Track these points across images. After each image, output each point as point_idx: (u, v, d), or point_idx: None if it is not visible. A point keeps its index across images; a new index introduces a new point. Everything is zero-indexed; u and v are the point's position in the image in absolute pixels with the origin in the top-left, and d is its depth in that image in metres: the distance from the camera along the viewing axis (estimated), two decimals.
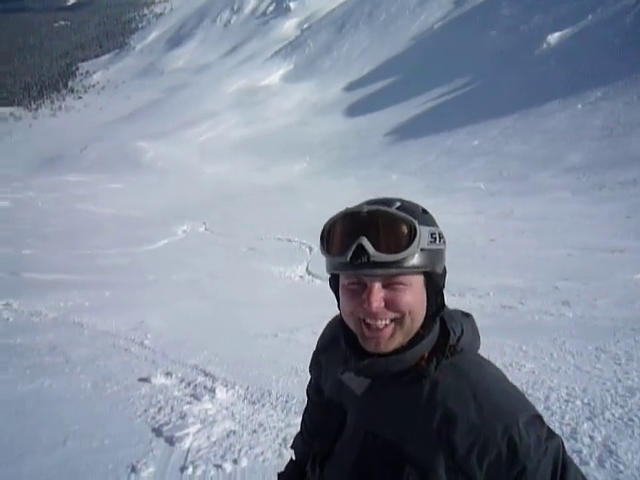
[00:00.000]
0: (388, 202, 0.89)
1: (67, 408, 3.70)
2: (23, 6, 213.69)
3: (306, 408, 1.23)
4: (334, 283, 0.96)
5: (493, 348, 5.26)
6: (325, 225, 0.90)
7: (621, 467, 2.85)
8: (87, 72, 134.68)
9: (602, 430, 3.24)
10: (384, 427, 0.90)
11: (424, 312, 0.89)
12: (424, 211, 0.93)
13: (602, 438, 3.15)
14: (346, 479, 0.93)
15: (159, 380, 4.10)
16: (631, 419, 3.37)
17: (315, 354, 1.18)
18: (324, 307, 8.79)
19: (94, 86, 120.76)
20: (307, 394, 1.25)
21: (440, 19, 73.36)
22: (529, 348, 5.18)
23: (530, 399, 2.89)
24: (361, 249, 0.82)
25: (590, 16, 46.07)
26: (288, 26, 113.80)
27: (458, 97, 46.81)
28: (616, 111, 30.15)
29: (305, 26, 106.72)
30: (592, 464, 2.89)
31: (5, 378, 4.20)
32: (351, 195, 26.29)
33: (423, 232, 0.84)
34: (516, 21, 56.29)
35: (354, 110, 57.90)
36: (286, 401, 3.73)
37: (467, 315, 1.01)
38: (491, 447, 0.80)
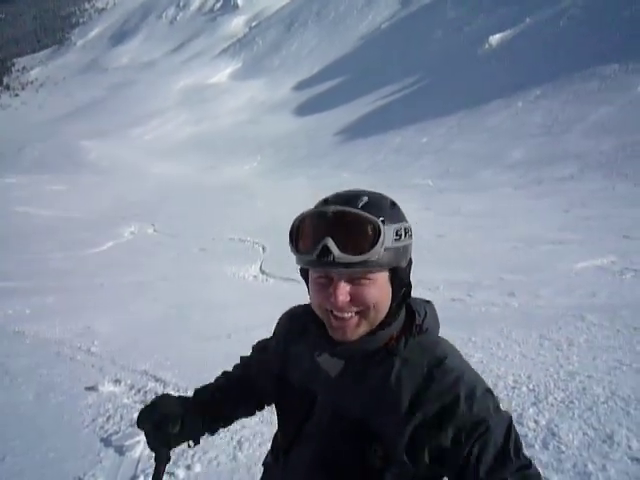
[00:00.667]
0: (355, 198, 0.91)
1: (6, 422, 3.50)
2: None
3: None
4: (304, 274, 1.02)
5: None
6: (294, 222, 0.93)
7: (563, 448, 2.99)
8: (24, 68, 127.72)
9: (546, 414, 3.40)
10: (353, 405, 0.96)
11: (389, 303, 0.94)
12: (392, 204, 0.95)
13: (546, 422, 3.30)
14: (312, 464, 0.98)
15: (107, 388, 3.94)
16: (572, 402, 3.55)
17: (282, 342, 1.18)
18: (278, 306, 8.78)
19: (32, 83, 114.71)
20: (253, 349, 1.38)
21: (387, 19, 74.64)
22: (477, 339, 5.36)
23: None
24: (326, 249, 0.85)
25: (528, 19, 48.24)
26: (236, 23, 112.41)
27: (406, 96, 47.82)
28: (554, 109, 31.73)
29: (253, 24, 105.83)
30: (537, 447, 3.02)
31: None
32: (302, 194, 26.34)
33: (387, 232, 0.88)
34: (460, 22, 58.16)
35: (303, 109, 58.00)
36: None
37: (427, 302, 1.08)
38: (456, 413, 0.88)
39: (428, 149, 33.82)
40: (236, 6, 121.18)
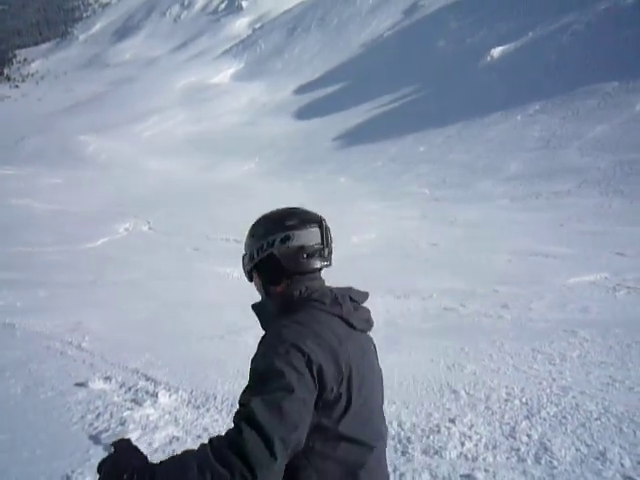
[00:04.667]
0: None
1: None
2: None
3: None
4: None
5: (436, 349, 5.41)
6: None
7: (555, 463, 2.98)
8: (25, 60, 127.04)
9: (538, 428, 3.39)
10: None
11: (263, 290, 1.34)
12: (251, 236, 1.39)
13: (538, 436, 3.29)
14: None
15: (97, 385, 3.90)
16: (564, 417, 3.55)
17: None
18: None
19: (32, 75, 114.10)
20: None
21: (390, 28, 74.99)
22: (470, 349, 5.36)
23: (472, 400, 2.96)
24: None
25: (530, 33, 48.58)
26: (239, 25, 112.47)
27: (405, 104, 48.00)
28: (553, 125, 31.94)
29: (257, 26, 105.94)
30: (529, 461, 3.02)
31: None
32: (299, 198, 26.32)
33: (244, 260, 1.38)
34: (462, 34, 58.46)
35: (303, 113, 58.09)
36: (232, 405, 3.64)
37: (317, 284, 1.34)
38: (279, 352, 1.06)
39: (425, 158, 33.94)
40: (240, 8, 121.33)
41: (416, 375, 4.37)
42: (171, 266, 14.86)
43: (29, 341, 5.53)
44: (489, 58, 48.49)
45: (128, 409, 3.46)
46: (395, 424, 3.32)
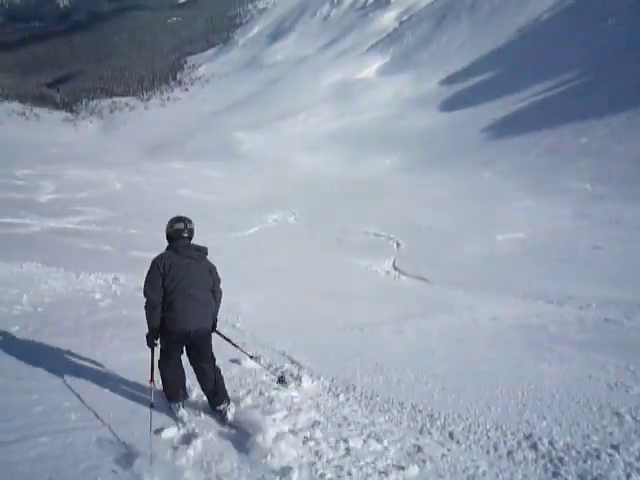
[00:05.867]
0: None
1: None
2: (140, 5, 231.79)
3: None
4: None
5: (594, 364, 4.86)
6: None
7: None
8: (194, 65, 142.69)
9: None
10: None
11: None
12: (167, 225, 3.34)
13: None
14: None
15: (249, 363, 4.23)
16: None
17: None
18: (409, 305, 8.62)
19: (199, 78, 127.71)
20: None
21: (550, 9, 68.50)
22: (637, 368, 4.71)
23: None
24: None
25: None
26: (387, 18, 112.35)
27: (564, 92, 43.58)
28: None
29: (404, 18, 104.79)
30: None
31: (113, 347, 4.58)
32: (441, 192, 25.56)
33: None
34: (638, 10, 51.06)
35: (450, 104, 56.04)
36: (370, 397, 3.69)
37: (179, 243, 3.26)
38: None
39: (587, 151, 30.48)
40: (388, 1, 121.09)
41: (571, 390, 3.97)
42: (314, 256, 15.56)
43: None
44: None
45: (275, 389, 3.70)
46: (546, 441, 3.07)
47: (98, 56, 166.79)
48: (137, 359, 4.47)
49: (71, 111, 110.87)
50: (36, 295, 6.69)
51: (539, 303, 8.99)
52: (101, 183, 27.88)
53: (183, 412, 3.18)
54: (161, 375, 3.23)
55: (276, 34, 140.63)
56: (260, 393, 3.68)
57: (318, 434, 3.02)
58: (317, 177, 36.22)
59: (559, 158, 31.04)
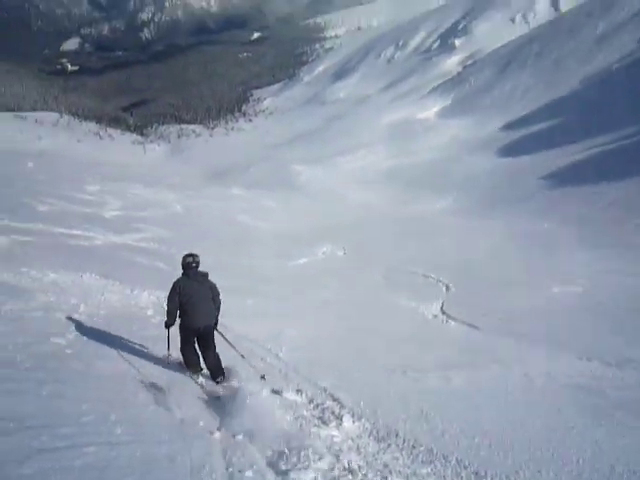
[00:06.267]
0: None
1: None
2: (215, 40, 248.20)
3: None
4: None
5: None
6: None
7: None
8: (259, 98, 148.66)
9: None
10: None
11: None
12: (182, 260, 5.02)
13: None
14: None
15: (290, 395, 4.19)
16: None
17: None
18: (457, 352, 8.30)
19: (263, 111, 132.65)
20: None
21: (620, 59, 66.82)
22: None
23: None
24: None
25: None
26: (450, 63, 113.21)
27: (633, 144, 41.88)
28: None
29: (468, 63, 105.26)
30: None
31: (160, 365, 4.68)
32: (495, 238, 24.87)
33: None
34: None
35: (509, 150, 55.12)
36: (413, 446, 3.54)
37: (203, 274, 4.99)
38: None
39: None
40: (453, 46, 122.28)
41: (632, 464, 3.65)
42: (360, 291, 15.40)
43: (236, 342, 6.26)
44: None
45: (315, 425, 3.63)
46: None
47: (171, 85, 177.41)
48: (181, 378, 4.54)
49: (141, 134, 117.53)
50: (93, 306, 6.98)
51: (595, 363, 8.42)
52: (162, 204, 29.07)
53: (201, 379, 4.84)
54: (182, 355, 4.95)
55: (340, 73, 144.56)
56: (300, 428, 3.62)
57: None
58: (369, 213, 36.29)
59: (623, 212, 29.54)
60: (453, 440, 3.77)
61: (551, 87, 71.46)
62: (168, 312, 4.70)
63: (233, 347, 5.14)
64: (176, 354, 4.89)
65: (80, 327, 5.54)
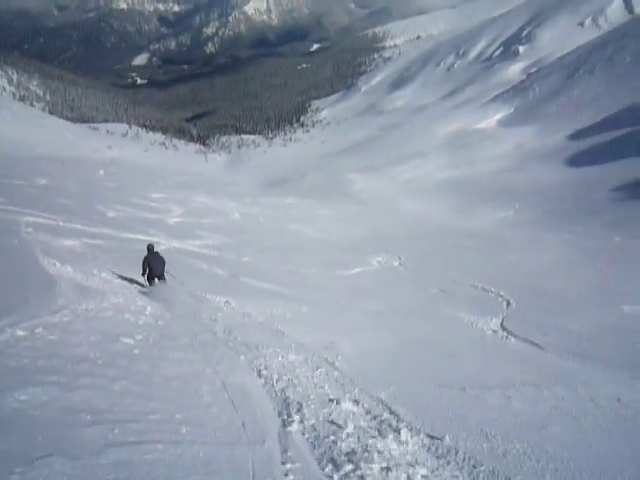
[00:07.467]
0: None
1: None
2: (275, 52, 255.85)
3: (146, 262, 9.16)
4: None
5: None
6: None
7: None
8: (317, 109, 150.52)
9: None
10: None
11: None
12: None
13: None
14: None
15: (347, 405, 4.19)
16: None
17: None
18: (517, 370, 8.00)
19: (320, 121, 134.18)
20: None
21: None
22: None
23: None
24: None
25: None
26: (513, 70, 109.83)
27: None
28: None
29: (532, 70, 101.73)
30: None
31: (221, 369, 4.81)
32: (561, 252, 23.73)
33: None
34: None
35: (578, 160, 52.60)
36: (473, 466, 3.44)
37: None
38: None
39: None
40: (516, 53, 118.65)
41: None
42: (415, 304, 15.14)
43: (296, 352, 6.33)
44: None
45: (372, 437, 3.61)
46: None
47: (233, 96, 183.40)
48: (241, 383, 4.65)
49: (204, 144, 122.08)
50: (158, 308, 7.31)
51: None
52: (222, 211, 29.97)
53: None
54: (148, 282, 9.07)
55: (398, 82, 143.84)
56: (358, 439, 3.61)
57: None
58: (425, 224, 35.71)
59: None
60: (516, 461, 3.63)
61: (623, 93, 67.70)
62: (143, 269, 8.93)
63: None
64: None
65: (146, 328, 5.81)
